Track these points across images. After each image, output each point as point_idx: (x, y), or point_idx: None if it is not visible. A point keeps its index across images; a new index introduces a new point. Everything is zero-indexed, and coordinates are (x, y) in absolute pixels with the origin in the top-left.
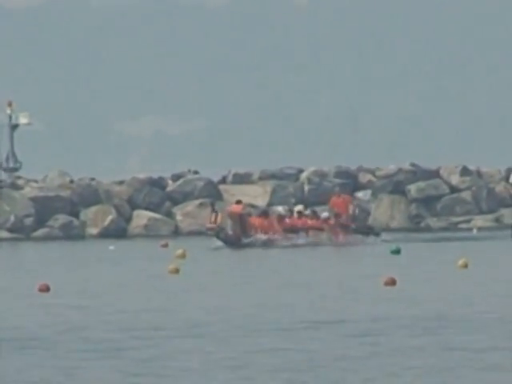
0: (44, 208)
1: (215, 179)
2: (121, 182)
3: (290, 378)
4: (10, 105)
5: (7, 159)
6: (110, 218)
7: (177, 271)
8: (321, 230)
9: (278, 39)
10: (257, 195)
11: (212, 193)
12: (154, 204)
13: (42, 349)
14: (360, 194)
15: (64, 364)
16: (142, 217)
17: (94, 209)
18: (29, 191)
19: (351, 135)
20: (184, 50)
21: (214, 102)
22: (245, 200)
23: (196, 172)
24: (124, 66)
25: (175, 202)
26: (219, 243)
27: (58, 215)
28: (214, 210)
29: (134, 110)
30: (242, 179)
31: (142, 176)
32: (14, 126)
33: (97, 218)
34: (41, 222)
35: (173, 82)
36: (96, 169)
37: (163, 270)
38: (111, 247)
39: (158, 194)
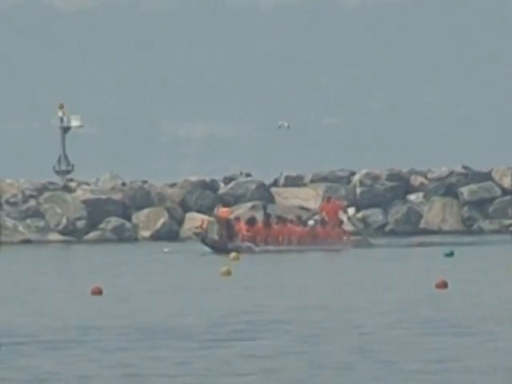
0: (96, 211)
1: (267, 182)
2: (173, 185)
3: None
4: (61, 107)
5: (59, 162)
6: (162, 220)
7: (229, 273)
8: (306, 237)
9: (328, 41)
10: (308, 198)
11: (264, 195)
12: (205, 207)
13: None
14: (412, 197)
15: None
16: (194, 219)
17: (146, 211)
18: (81, 194)
19: (403, 137)
20: (237, 52)
21: (266, 104)
22: (297, 203)
23: (248, 175)
24: (176, 68)
25: (227, 205)
26: (206, 249)
27: (110, 218)
28: (265, 214)
29: (186, 112)
30: (293, 182)
31: (194, 179)
32: (66, 129)
33: (149, 220)
34: (93, 224)
35: (226, 84)
36: (148, 171)
37: (215, 272)
38: (166, 249)
39: (210, 197)
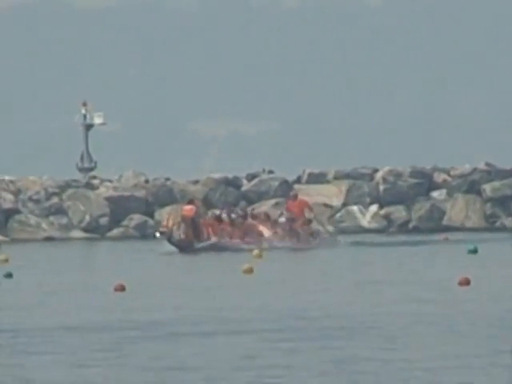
0: (119, 208)
1: (290, 179)
2: (196, 182)
3: None
4: (84, 105)
5: (82, 159)
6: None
7: (251, 271)
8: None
9: (353, 38)
10: (331, 195)
11: (287, 192)
12: (228, 203)
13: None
14: (435, 194)
15: None
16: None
17: (168, 208)
18: (104, 191)
19: (426, 134)
20: (260, 50)
21: (290, 101)
22: (320, 200)
23: (271, 172)
24: (199, 66)
25: (250, 202)
26: (170, 247)
27: (133, 215)
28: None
29: (209, 109)
30: (316, 179)
31: (217, 176)
32: (89, 126)
33: (169, 217)
34: (116, 221)
35: (248, 81)
36: (171, 168)
37: (237, 269)
38: (198, 245)
39: (233, 194)
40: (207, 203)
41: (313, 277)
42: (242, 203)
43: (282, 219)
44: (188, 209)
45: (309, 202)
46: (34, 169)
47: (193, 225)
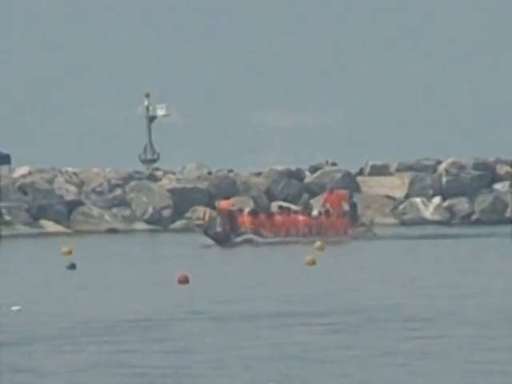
0: (182, 200)
1: (353, 171)
2: (259, 174)
3: None
4: (147, 96)
5: (145, 151)
6: (247, 209)
7: (313, 263)
8: (310, 227)
9: (417, 28)
10: (394, 187)
11: (350, 184)
12: (291, 195)
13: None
14: (498, 186)
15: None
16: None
17: (231, 200)
18: (167, 183)
19: (489, 126)
20: (324, 42)
21: (353, 93)
22: (382, 192)
23: (334, 164)
24: (262, 57)
25: (313, 194)
26: (208, 241)
27: (196, 207)
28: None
29: (272, 101)
30: (379, 171)
31: (280, 167)
32: (152, 118)
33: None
34: (179, 213)
35: (311, 72)
36: (234, 160)
37: (300, 261)
38: (259, 240)
39: (295, 186)
40: (270, 195)
41: (379, 269)
42: (305, 195)
43: (315, 212)
44: (225, 203)
45: (345, 195)
46: (98, 161)
47: (230, 218)
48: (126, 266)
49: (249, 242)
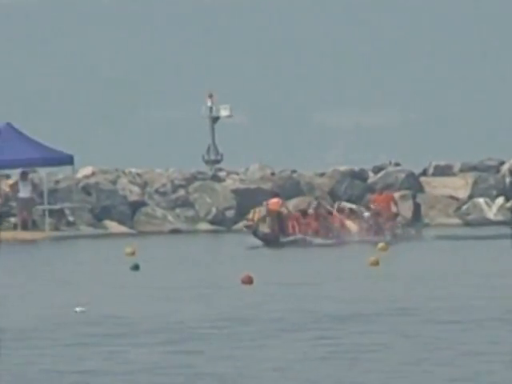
0: (245, 200)
1: (416, 171)
2: (322, 174)
3: None
4: (210, 97)
5: (208, 151)
6: (310, 210)
7: (377, 263)
8: (361, 228)
9: (479, 27)
10: (458, 187)
11: (413, 185)
12: (355, 196)
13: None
14: None
15: None
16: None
17: (295, 201)
18: (230, 183)
19: None
20: (383, 41)
21: (415, 93)
22: (446, 192)
23: (397, 164)
24: (324, 56)
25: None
26: (256, 241)
27: (260, 207)
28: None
29: (335, 101)
30: (442, 171)
31: (343, 168)
32: (215, 119)
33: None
34: (242, 214)
35: (375, 72)
36: (297, 161)
37: (363, 261)
38: (283, 239)
39: (359, 186)
40: (333, 196)
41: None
42: (368, 196)
43: (367, 213)
44: (274, 202)
45: (394, 196)
46: (161, 161)
47: (278, 218)
48: (190, 267)
49: (297, 242)
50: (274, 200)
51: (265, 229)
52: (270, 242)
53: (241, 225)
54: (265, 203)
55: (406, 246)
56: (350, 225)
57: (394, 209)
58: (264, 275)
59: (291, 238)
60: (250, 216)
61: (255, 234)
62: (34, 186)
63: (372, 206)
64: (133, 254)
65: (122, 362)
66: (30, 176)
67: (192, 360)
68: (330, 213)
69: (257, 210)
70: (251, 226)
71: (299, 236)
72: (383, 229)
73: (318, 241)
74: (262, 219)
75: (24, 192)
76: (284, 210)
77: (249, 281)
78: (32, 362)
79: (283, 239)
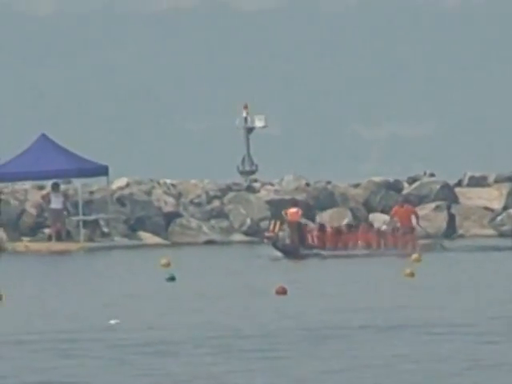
0: (280, 211)
1: (451, 182)
2: (357, 185)
3: None
4: (245, 107)
5: (243, 162)
6: (345, 221)
7: (412, 275)
8: (372, 243)
9: (505, 42)
10: (492, 198)
11: (448, 196)
12: (389, 207)
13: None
14: None
15: None
16: (378, 220)
17: (329, 212)
18: (265, 194)
19: None
20: (417, 52)
21: (450, 104)
22: (480, 203)
23: (432, 175)
24: (357, 67)
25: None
26: (277, 253)
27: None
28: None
29: (369, 111)
30: (477, 182)
31: (378, 179)
32: (250, 129)
33: (332, 220)
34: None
35: (409, 83)
36: (332, 171)
37: (398, 273)
38: (304, 251)
39: (393, 197)
40: (368, 207)
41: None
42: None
43: (386, 227)
44: (293, 212)
45: (415, 209)
46: (196, 172)
47: (298, 229)
48: (225, 278)
49: (317, 255)
50: (293, 210)
51: (284, 240)
52: (290, 253)
53: (262, 236)
54: (283, 212)
55: (438, 257)
56: (370, 238)
57: (413, 222)
58: (297, 286)
59: (311, 250)
60: (271, 227)
61: (275, 245)
62: (66, 197)
63: (392, 218)
64: (168, 265)
65: (161, 373)
66: (62, 187)
67: (236, 373)
68: (348, 228)
69: (277, 221)
70: (271, 237)
71: (318, 251)
72: (402, 242)
73: (335, 252)
74: (282, 230)
75: (56, 203)
76: (304, 222)
77: (283, 291)
78: (71, 375)
79: (303, 251)
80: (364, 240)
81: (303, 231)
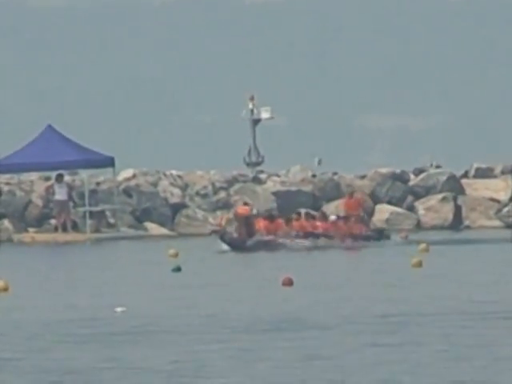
0: (286, 202)
1: (458, 173)
2: (363, 177)
3: None
4: (251, 99)
5: (249, 153)
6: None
7: (420, 265)
8: (328, 234)
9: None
10: (499, 190)
11: (454, 187)
12: (396, 198)
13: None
14: None
15: None
16: (384, 211)
17: (336, 203)
18: (271, 186)
19: None
20: (425, 45)
21: (457, 96)
22: (487, 194)
23: (439, 166)
24: (364, 59)
25: (417, 196)
26: (224, 246)
27: (301, 209)
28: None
29: (376, 103)
30: (484, 173)
31: (384, 170)
32: (256, 121)
33: (338, 212)
34: (282, 216)
35: (415, 74)
36: (338, 163)
37: (406, 263)
38: (248, 243)
39: (400, 189)
40: (374, 198)
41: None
42: (409, 198)
43: (333, 217)
44: (243, 208)
45: (364, 199)
46: (202, 163)
47: (246, 223)
48: (230, 268)
49: (262, 244)
50: (244, 207)
51: (232, 233)
52: (236, 246)
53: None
54: (232, 209)
55: (446, 248)
56: (319, 228)
57: (361, 212)
58: (303, 277)
59: (252, 240)
60: (218, 221)
61: (222, 238)
62: (71, 188)
63: (342, 209)
64: (176, 255)
65: (164, 361)
66: (69, 178)
67: (242, 358)
68: (299, 218)
69: (225, 215)
70: (218, 231)
71: (260, 238)
72: (350, 232)
73: (282, 243)
74: (229, 223)
75: (60, 194)
76: (252, 215)
77: (289, 283)
78: (73, 358)
79: (248, 243)
80: (299, 229)
81: (252, 225)
